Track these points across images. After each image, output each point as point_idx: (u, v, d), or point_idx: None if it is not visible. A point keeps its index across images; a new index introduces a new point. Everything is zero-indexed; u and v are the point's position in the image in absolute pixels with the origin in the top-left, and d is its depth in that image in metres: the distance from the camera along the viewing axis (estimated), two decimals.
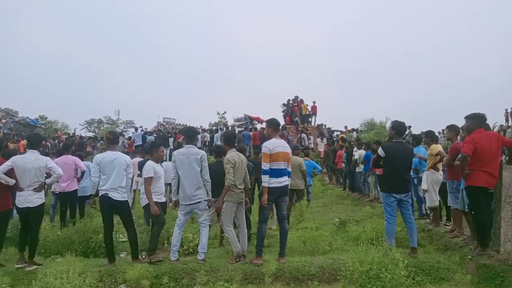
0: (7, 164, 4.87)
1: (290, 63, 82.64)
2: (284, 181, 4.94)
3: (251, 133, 18.80)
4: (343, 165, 12.99)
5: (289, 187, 5.20)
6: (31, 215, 5.03)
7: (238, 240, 5.15)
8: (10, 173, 4.90)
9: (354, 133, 20.91)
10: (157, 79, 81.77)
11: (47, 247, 5.85)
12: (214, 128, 22.97)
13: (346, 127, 23.68)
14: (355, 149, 11.69)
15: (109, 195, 4.90)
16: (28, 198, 4.93)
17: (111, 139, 5.30)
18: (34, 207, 4.97)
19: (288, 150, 5.07)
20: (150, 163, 5.54)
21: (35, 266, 4.87)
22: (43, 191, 5.17)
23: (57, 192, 7.29)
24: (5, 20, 74.99)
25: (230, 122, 28.90)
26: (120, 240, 6.49)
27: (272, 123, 5.23)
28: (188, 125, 27.41)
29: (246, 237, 5.33)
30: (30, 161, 4.96)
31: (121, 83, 75.16)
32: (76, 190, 7.19)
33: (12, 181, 4.89)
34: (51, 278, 3.55)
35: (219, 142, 16.93)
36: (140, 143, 18.45)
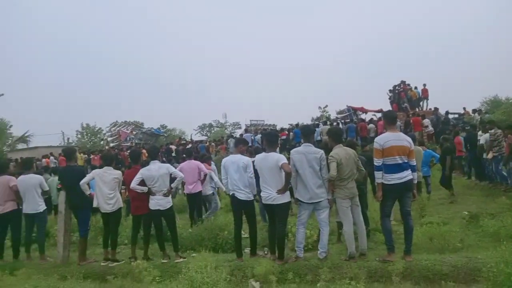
0: (137, 177, 5.72)
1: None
2: (406, 176, 4.65)
3: (356, 125, 18.16)
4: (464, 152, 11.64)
5: (416, 181, 4.91)
6: (163, 216, 5.87)
7: (356, 238, 5.04)
8: (141, 183, 5.73)
9: (476, 114, 18.41)
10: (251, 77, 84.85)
11: (182, 243, 6.55)
12: (315, 123, 22.79)
13: (465, 108, 20.99)
14: (479, 133, 10.36)
15: (235, 195, 5.34)
16: (159, 202, 5.71)
17: (235, 143, 6.13)
18: (164, 210, 5.74)
19: (405, 143, 4.69)
20: None
21: (181, 259, 5.64)
22: (170, 195, 5.92)
23: (185, 194, 8.16)
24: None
25: (333, 115, 28.37)
26: (242, 236, 6.95)
27: (386, 116, 5.00)
28: (274, 126, 27.50)
29: (364, 233, 5.16)
30: (155, 170, 5.73)
31: (225, 88, 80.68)
32: (200, 192, 7.90)
33: (145, 189, 5.72)
34: (193, 272, 4.00)
35: (319, 138, 16.45)
36: (249, 144, 19.46)
